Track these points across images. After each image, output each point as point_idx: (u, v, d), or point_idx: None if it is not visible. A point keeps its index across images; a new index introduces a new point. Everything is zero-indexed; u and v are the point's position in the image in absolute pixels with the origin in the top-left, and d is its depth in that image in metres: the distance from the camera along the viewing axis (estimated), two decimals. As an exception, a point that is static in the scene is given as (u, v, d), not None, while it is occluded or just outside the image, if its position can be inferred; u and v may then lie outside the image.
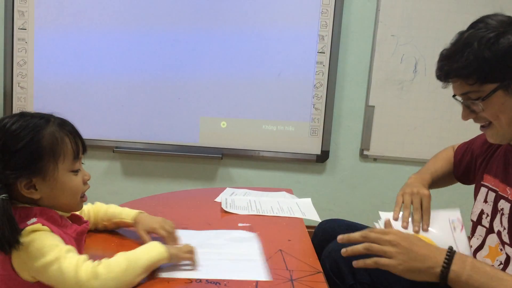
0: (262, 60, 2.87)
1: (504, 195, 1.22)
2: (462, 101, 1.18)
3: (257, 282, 1.06)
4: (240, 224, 1.45)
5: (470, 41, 1.10)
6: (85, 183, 1.06)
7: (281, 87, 2.89)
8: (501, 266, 1.18)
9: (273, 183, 2.99)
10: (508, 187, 1.21)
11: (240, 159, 3.01)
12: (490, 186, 1.29)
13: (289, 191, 1.90)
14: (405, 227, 1.34)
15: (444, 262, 1.02)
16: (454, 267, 1.02)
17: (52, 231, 0.96)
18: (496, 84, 1.10)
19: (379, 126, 2.94)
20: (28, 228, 0.93)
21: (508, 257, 1.17)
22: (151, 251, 1.02)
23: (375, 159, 3.01)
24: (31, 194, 0.97)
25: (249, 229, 1.42)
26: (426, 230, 1.34)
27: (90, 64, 2.88)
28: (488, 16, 1.14)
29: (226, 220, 1.51)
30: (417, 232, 1.32)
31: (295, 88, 2.89)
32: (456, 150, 1.54)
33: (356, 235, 1.11)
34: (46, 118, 1.00)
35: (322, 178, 3.04)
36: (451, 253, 1.04)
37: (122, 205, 1.56)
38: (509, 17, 1.13)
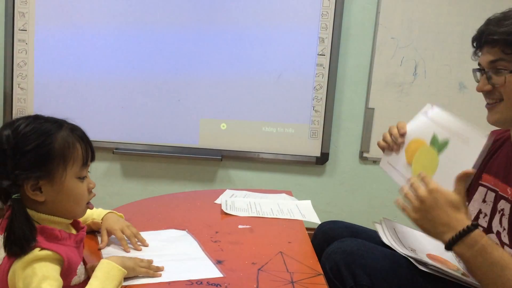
0: (262, 62, 2.88)
1: (504, 195, 1.21)
2: (486, 70, 1.16)
3: (257, 283, 1.06)
4: (240, 226, 1.45)
5: None
6: (89, 191, 1.06)
7: (281, 89, 2.89)
8: None
9: (272, 185, 2.99)
10: (509, 187, 1.20)
11: (240, 161, 3.01)
12: (490, 185, 1.28)
13: (289, 193, 1.90)
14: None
15: (452, 239, 1.05)
16: (458, 249, 1.05)
17: (52, 250, 0.94)
18: None
19: (379, 128, 2.94)
20: (28, 256, 0.91)
21: None
22: (107, 273, 0.99)
23: (374, 162, 3.01)
24: (36, 196, 0.97)
25: (249, 231, 1.42)
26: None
27: (90, 65, 2.88)
28: None
29: (226, 221, 1.51)
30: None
31: (295, 90, 2.89)
32: None
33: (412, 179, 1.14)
34: (60, 123, 1.02)
35: (321, 180, 3.05)
36: (462, 233, 1.04)
37: (122, 207, 1.56)
38: None
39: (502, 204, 1.21)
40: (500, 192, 1.23)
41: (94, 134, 2.82)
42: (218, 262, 1.16)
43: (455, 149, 1.13)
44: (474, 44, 1.21)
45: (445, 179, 1.12)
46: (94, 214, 1.28)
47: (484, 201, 1.29)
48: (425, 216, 1.08)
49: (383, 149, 1.43)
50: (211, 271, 1.11)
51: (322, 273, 1.15)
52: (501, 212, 1.20)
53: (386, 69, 2.90)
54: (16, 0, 2.82)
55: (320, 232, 1.52)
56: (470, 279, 1.17)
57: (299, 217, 1.58)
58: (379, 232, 1.38)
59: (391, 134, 1.38)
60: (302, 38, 2.85)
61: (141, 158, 3.01)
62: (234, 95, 2.90)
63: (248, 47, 2.86)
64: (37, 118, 1.00)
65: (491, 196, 1.26)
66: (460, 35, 2.78)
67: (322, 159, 2.96)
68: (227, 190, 1.86)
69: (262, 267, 1.15)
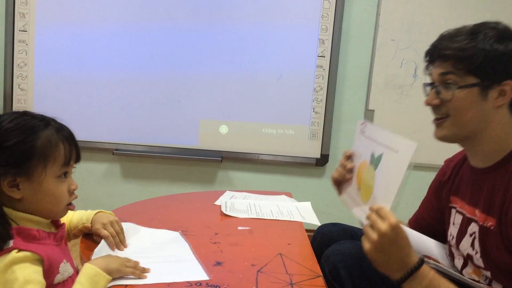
0: (262, 63, 2.88)
1: (473, 217, 1.20)
2: (435, 85, 1.18)
3: (257, 285, 1.06)
4: (239, 227, 1.45)
5: (476, 31, 1.12)
6: (71, 192, 1.04)
7: (281, 91, 2.90)
8: (487, 280, 1.16)
9: (272, 186, 2.99)
10: (476, 210, 1.19)
11: (240, 162, 3.01)
12: (458, 208, 1.28)
13: (289, 195, 1.90)
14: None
15: (400, 278, 1.04)
16: (408, 285, 1.04)
17: (30, 250, 0.93)
18: (478, 80, 1.11)
19: (379, 130, 2.94)
20: (5, 258, 0.90)
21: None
22: (89, 278, 0.97)
23: (374, 163, 3.01)
24: (12, 192, 0.95)
25: (249, 232, 1.42)
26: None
27: (90, 66, 2.89)
28: (498, 22, 1.16)
29: (226, 223, 1.51)
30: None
31: (295, 91, 2.90)
32: (412, 221, 1.52)
33: (367, 213, 1.10)
34: (46, 121, 1.00)
35: (321, 181, 3.05)
36: (413, 269, 1.03)
37: (121, 208, 1.56)
38: None
39: (472, 227, 1.20)
40: (467, 215, 1.23)
41: (94, 135, 2.85)
42: (218, 264, 1.16)
43: (388, 162, 1.12)
44: (427, 58, 1.22)
45: (380, 192, 1.12)
46: (83, 218, 1.26)
47: (453, 223, 1.29)
48: (381, 250, 1.03)
49: (336, 182, 1.41)
50: (198, 273, 1.09)
51: (322, 275, 1.15)
52: (473, 235, 1.19)
53: (386, 71, 2.90)
54: (16, 1, 2.82)
55: (319, 234, 1.52)
56: (469, 281, 1.17)
57: (299, 219, 1.58)
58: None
59: (341, 165, 1.38)
60: (302, 39, 2.85)
61: (141, 159, 3.01)
62: (234, 96, 2.90)
63: (248, 48, 2.86)
64: (24, 114, 0.99)
65: (458, 218, 1.26)
66: None
67: (322, 160, 2.96)
68: (227, 192, 1.86)
69: (262, 269, 1.15)
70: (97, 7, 2.84)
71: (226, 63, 2.88)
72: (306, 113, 2.92)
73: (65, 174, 1.03)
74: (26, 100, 2.91)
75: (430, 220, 1.44)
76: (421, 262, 1.04)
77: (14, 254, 0.91)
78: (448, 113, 1.16)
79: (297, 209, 1.69)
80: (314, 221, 1.59)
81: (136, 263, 1.08)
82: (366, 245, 1.05)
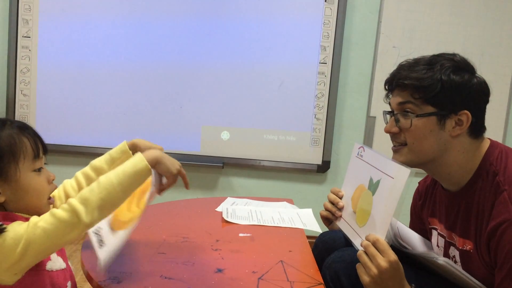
0: (264, 70, 2.89)
1: (452, 242, 1.23)
2: (394, 113, 1.21)
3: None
4: (241, 234, 1.45)
5: (434, 62, 1.16)
6: (50, 182, 1.05)
7: (282, 97, 2.90)
8: None
9: (274, 192, 2.99)
10: (453, 234, 1.22)
11: (241, 168, 3.01)
12: (438, 231, 1.30)
13: (290, 201, 1.90)
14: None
15: None
16: None
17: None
18: (435, 110, 1.14)
19: (380, 137, 2.94)
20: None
21: None
22: (129, 161, 1.03)
23: (376, 170, 3.01)
24: None
25: (250, 239, 1.42)
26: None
27: (93, 72, 2.90)
28: (454, 53, 1.20)
29: (227, 229, 1.50)
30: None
31: (296, 98, 2.90)
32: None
33: (364, 243, 1.11)
34: (2, 121, 1.01)
35: (323, 188, 3.04)
36: None
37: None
38: (471, 63, 1.19)
39: (452, 251, 1.23)
40: (447, 239, 1.25)
41: (96, 140, 2.86)
42: (218, 271, 1.16)
43: (385, 188, 1.14)
44: (386, 87, 1.26)
45: (377, 218, 1.14)
46: (117, 154, 1.27)
47: (437, 245, 1.31)
48: (380, 283, 1.06)
49: (326, 218, 1.42)
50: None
51: (323, 282, 1.15)
52: (453, 258, 1.22)
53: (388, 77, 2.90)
54: (20, 7, 2.84)
55: (321, 241, 1.51)
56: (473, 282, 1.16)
57: (300, 226, 1.58)
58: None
59: (331, 202, 1.40)
60: (304, 46, 2.86)
61: (142, 165, 3.00)
62: (235, 102, 2.91)
63: (250, 54, 2.87)
64: None
65: (441, 241, 1.28)
66: (461, 45, 2.79)
67: (324, 167, 2.96)
68: (228, 198, 1.86)
69: (263, 276, 1.15)
70: (100, 14, 2.85)
71: (228, 70, 2.89)
72: (307, 120, 2.92)
73: (40, 169, 1.03)
74: (28, 105, 2.92)
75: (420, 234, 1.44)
76: None
77: (3, 227, 0.93)
78: (405, 141, 1.20)
79: (298, 216, 1.69)
80: (316, 228, 1.58)
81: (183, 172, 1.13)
82: (366, 278, 1.08)
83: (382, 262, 1.05)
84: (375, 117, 2.93)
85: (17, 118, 2.92)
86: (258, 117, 2.93)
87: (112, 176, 1.00)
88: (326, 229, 1.59)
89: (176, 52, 2.88)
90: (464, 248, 1.17)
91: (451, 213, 1.22)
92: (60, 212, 0.93)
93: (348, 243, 1.44)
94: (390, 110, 1.25)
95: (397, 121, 1.20)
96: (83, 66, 2.89)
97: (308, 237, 1.49)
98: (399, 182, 1.07)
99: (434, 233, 1.32)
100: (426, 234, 1.41)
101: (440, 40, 2.84)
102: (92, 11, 2.86)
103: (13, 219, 0.96)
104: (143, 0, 2.85)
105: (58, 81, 2.91)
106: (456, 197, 1.20)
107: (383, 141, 2.95)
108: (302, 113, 2.92)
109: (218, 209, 1.71)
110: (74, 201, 0.95)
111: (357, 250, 1.15)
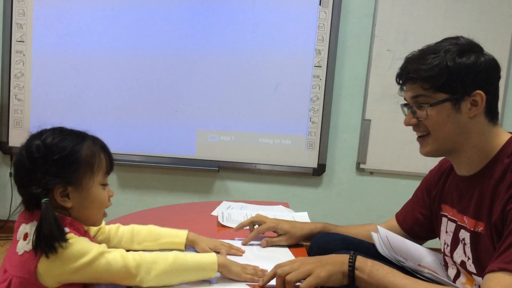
0: (259, 73, 2.89)
1: (463, 224, 1.23)
2: (410, 105, 1.22)
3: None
4: (236, 238, 1.44)
5: (438, 49, 1.18)
6: (108, 199, 1.12)
7: (278, 101, 2.90)
8: None
9: (269, 196, 2.99)
10: (465, 216, 1.22)
11: (237, 172, 3.01)
12: (449, 216, 1.30)
13: (286, 205, 1.89)
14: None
15: (349, 260, 1.09)
16: (357, 263, 1.09)
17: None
18: (447, 95, 1.15)
19: (376, 139, 2.95)
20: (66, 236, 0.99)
21: None
22: (203, 257, 1.10)
23: (371, 173, 3.01)
24: (64, 202, 1.02)
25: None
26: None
27: (87, 76, 2.89)
28: (461, 36, 1.22)
29: (223, 234, 1.50)
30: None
31: (291, 101, 2.90)
32: (399, 214, 1.54)
33: (269, 277, 1.11)
34: (83, 134, 1.09)
35: (318, 191, 3.04)
36: (353, 254, 1.11)
37: (118, 218, 1.56)
38: (479, 45, 1.21)
39: (462, 234, 1.23)
40: (459, 222, 1.25)
41: (90, 145, 2.83)
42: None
43: None
44: (398, 81, 1.27)
45: None
46: (171, 234, 1.29)
47: (446, 231, 1.31)
48: (321, 263, 1.09)
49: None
50: None
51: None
52: (463, 241, 1.22)
53: (382, 80, 2.91)
54: (14, 12, 2.83)
55: (315, 244, 1.51)
56: None
57: (296, 229, 1.57)
58: (375, 241, 1.38)
59: None
60: (299, 49, 2.87)
61: (137, 169, 3.00)
62: (231, 106, 2.91)
63: (245, 58, 2.88)
64: (62, 130, 1.07)
65: (451, 226, 1.28)
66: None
67: (319, 170, 2.96)
68: (224, 202, 1.86)
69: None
70: (95, 19, 2.85)
71: (223, 73, 2.89)
72: (303, 123, 2.92)
73: (105, 185, 1.11)
74: (23, 110, 2.91)
75: (419, 216, 1.45)
76: (353, 252, 1.11)
77: (72, 234, 1.00)
78: (427, 130, 1.20)
79: (294, 219, 1.68)
80: (311, 232, 1.58)
81: (256, 267, 1.16)
82: (312, 276, 1.07)
83: (297, 260, 1.11)
84: (370, 120, 2.94)
85: (11, 123, 2.91)
86: (253, 120, 2.93)
87: (188, 261, 1.07)
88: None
89: (171, 56, 2.87)
90: (476, 230, 1.17)
91: (465, 196, 1.23)
92: (129, 258, 1.01)
93: (343, 245, 1.45)
94: (406, 102, 1.26)
95: (414, 113, 1.21)
96: (77, 71, 2.89)
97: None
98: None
99: (444, 220, 1.32)
100: (428, 211, 1.42)
101: (435, 42, 2.85)
102: (86, 17, 2.85)
103: (76, 227, 1.03)
104: (139, 8, 2.84)
105: (52, 86, 2.90)
106: (471, 180, 1.21)
107: (378, 144, 2.96)
108: (298, 117, 2.92)
109: (214, 213, 1.70)
110: (145, 258, 1.03)
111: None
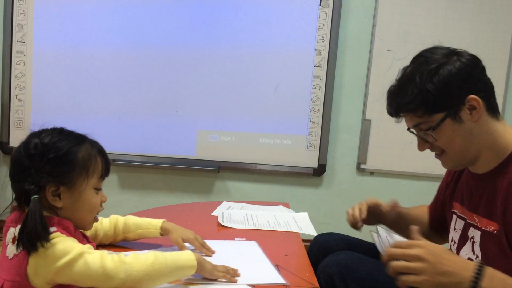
0: (259, 73, 2.89)
1: (473, 222, 1.22)
2: (415, 133, 1.22)
3: (253, 297, 1.06)
4: (236, 238, 1.45)
5: (413, 76, 1.17)
6: (101, 203, 1.11)
7: (278, 101, 2.91)
8: None
9: (270, 196, 2.99)
10: (475, 215, 1.22)
11: (237, 172, 3.01)
12: (458, 213, 1.30)
13: (286, 205, 1.90)
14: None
15: (474, 277, 0.99)
16: (484, 283, 0.98)
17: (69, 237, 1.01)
18: (444, 113, 1.14)
19: (376, 140, 2.95)
20: (50, 235, 0.98)
21: None
22: (180, 255, 1.07)
23: (371, 173, 3.01)
24: (54, 201, 1.02)
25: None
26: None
27: (87, 77, 2.89)
28: (428, 50, 1.22)
29: (223, 234, 1.50)
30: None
31: (292, 101, 2.91)
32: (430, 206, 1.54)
33: (384, 257, 1.08)
34: (82, 137, 1.09)
35: (319, 191, 3.04)
36: (481, 268, 1.00)
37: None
38: (448, 48, 1.20)
39: (471, 232, 1.22)
40: (468, 220, 1.25)
41: (91, 145, 2.83)
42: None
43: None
44: (390, 115, 1.26)
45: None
46: (147, 224, 1.32)
47: (454, 228, 1.31)
48: (435, 271, 1.00)
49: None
50: (274, 277, 1.17)
51: (318, 286, 1.15)
52: (472, 239, 1.22)
53: (383, 80, 2.91)
54: (14, 12, 2.83)
55: (316, 244, 1.51)
56: None
57: (296, 230, 1.58)
58: (375, 241, 1.38)
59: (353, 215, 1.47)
60: (299, 50, 2.87)
61: (138, 169, 3.00)
62: (231, 106, 2.91)
63: (246, 58, 2.88)
64: (62, 131, 1.07)
65: (460, 223, 1.29)
66: (455, 47, 2.80)
67: (320, 170, 2.96)
68: (224, 202, 1.86)
69: (258, 280, 1.15)
70: (95, 19, 2.85)
71: (223, 73, 2.89)
72: (303, 123, 2.92)
73: (99, 189, 1.10)
74: (23, 110, 2.91)
75: (438, 209, 1.46)
76: (481, 264, 1.02)
77: (58, 233, 0.99)
78: (441, 149, 1.20)
79: (294, 219, 1.69)
80: (311, 232, 1.59)
81: (226, 266, 1.14)
82: (416, 278, 1.00)
83: (415, 251, 1.01)
84: (370, 120, 2.94)
85: (11, 123, 2.92)
86: (254, 120, 2.93)
87: (167, 260, 1.04)
88: (322, 232, 1.60)
89: (171, 57, 2.88)
90: (487, 229, 1.16)
91: (476, 195, 1.23)
92: (108, 260, 0.99)
93: (343, 245, 1.45)
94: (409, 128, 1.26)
95: (422, 138, 1.22)
96: (78, 71, 2.89)
97: (304, 240, 1.49)
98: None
99: (454, 217, 1.32)
100: (441, 224, 1.43)
101: (434, 43, 2.83)
102: (87, 17, 2.85)
103: (64, 225, 1.02)
104: (139, 9, 2.84)
105: (53, 86, 2.90)
106: (483, 179, 1.21)
107: (379, 144, 2.96)
108: (298, 117, 2.92)
109: (214, 213, 1.71)
110: (124, 260, 1.00)
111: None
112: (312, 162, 2.95)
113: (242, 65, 2.88)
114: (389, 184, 3.01)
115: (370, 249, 1.38)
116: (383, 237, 1.35)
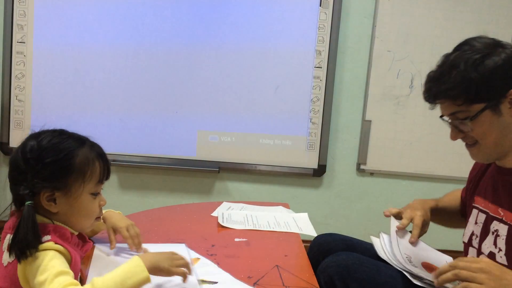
0: (259, 74, 2.89)
1: (497, 216, 1.22)
2: (450, 121, 1.21)
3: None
4: (236, 239, 1.45)
5: (457, 63, 1.14)
6: (100, 207, 1.10)
7: (278, 101, 2.91)
8: None
9: (270, 197, 2.99)
10: (500, 208, 1.21)
11: (237, 172, 3.01)
12: (481, 207, 1.30)
13: (286, 206, 1.90)
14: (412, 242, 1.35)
15: None
16: None
17: (64, 247, 0.98)
18: (484, 104, 1.13)
19: (376, 140, 2.95)
20: (41, 245, 0.95)
21: None
22: (126, 264, 0.97)
23: (371, 174, 3.01)
24: (49, 206, 1.00)
25: (245, 244, 1.42)
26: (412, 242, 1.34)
27: (88, 77, 2.89)
28: (473, 39, 1.18)
29: (223, 234, 1.50)
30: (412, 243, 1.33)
31: (292, 102, 2.91)
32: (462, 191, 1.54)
33: (445, 267, 1.08)
34: (82, 140, 1.06)
35: (319, 192, 3.04)
36: None
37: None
38: (493, 39, 1.18)
39: (495, 225, 1.22)
40: (491, 214, 1.25)
41: (91, 146, 2.83)
42: (214, 276, 1.16)
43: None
44: (427, 101, 1.23)
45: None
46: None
47: (476, 222, 1.30)
48: (500, 283, 1.01)
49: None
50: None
51: (318, 287, 1.15)
52: (495, 233, 1.21)
53: (383, 81, 2.91)
54: (14, 13, 2.83)
55: (315, 244, 1.51)
56: None
57: (296, 230, 1.58)
58: (375, 246, 1.37)
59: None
60: (299, 50, 2.87)
61: (138, 170, 3.00)
62: (231, 107, 2.91)
63: (246, 59, 2.88)
64: (61, 133, 1.04)
65: (482, 217, 1.28)
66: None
67: (319, 171, 2.96)
68: (224, 203, 1.86)
69: (258, 281, 1.15)
70: (96, 20, 2.85)
71: (223, 74, 2.89)
72: (303, 124, 2.92)
73: (97, 194, 1.08)
74: (23, 111, 2.91)
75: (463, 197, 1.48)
76: None
77: (51, 244, 0.95)
78: (475, 139, 1.19)
79: (294, 220, 1.69)
80: (311, 232, 1.58)
81: (173, 253, 1.08)
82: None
83: (480, 264, 1.02)
84: (370, 121, 2.94)
85: (12, 124, 2.92)
86: (254, 121, 2.93)
87: (118, 273, 0.95)
88: (322, 233, 1.59)
89: (171, 57, 2.88)
90: None
91: (501, 188, 1.22)
92: None
93: (343, 245, 1.44)
94: (442, 115, 1.24)
95: (456, 127, 1.20)
96: (78, 72, 2.89)
97: (304, 241, 1.49)
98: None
99: (474, 211, 1.31)
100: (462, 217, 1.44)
101: (435, 44, 2.85)
102: (87, 18, 2.85)
103: (61, 232, 1.00)
104: (139, 9, 2.85)
105: (53, 87, 2.90)
106: (509, 173, 1.20)
107: (379, 145, 2.96)
108: (298, 118, 2.92)
109: (214, 214, 1.70)
110: None
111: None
112: (312, 162, 2.95)
113: (242, 66, 2.88)
114: (389, 185, 3.01)
115: (370, 250, 1.38)
116: (386, 243, 1.34)
